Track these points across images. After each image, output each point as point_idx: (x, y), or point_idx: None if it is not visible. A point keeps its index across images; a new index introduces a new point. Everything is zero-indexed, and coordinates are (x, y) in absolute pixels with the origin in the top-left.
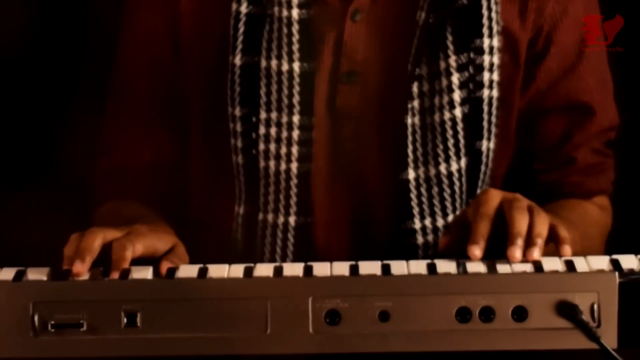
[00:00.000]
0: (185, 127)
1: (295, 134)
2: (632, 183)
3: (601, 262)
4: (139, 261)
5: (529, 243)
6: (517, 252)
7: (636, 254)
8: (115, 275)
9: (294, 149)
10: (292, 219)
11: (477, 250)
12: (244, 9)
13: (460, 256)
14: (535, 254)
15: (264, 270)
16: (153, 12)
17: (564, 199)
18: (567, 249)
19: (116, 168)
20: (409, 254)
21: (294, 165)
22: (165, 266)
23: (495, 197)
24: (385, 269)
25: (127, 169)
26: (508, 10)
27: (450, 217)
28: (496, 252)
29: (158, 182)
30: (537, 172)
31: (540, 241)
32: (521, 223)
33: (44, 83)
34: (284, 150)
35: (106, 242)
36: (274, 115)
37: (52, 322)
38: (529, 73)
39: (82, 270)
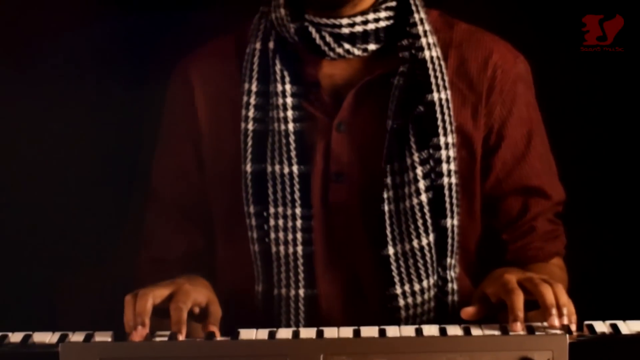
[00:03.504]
0: (211, 223)
1: (299, 223)
2: None
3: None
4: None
5: (559, 312)
6: (556, 320)
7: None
8: (180, 337)
9: (298, 235)
10: (301, 292)
11: (518, 326)
12: (250, 126)
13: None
14: (565, 320)
15: (284, 333)
16: (181, 134)
17: (533, 264)
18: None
19: (154, 258)
20: (393, 314)
21: (299, 249)
22: (212, 330)
23: (513, 277)
24: (382, 332)
25: (163, 259)
26: (462, 114)
27: (424, 282)
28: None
29: (191, 268)
30: (506, 242)
31: (566, 309)
32: (550, 296)
33: None
34: (290, 237)
35: (156, 301)
36: (280, 209)
37: None
38: (487, 164)
39: (145, 333)
